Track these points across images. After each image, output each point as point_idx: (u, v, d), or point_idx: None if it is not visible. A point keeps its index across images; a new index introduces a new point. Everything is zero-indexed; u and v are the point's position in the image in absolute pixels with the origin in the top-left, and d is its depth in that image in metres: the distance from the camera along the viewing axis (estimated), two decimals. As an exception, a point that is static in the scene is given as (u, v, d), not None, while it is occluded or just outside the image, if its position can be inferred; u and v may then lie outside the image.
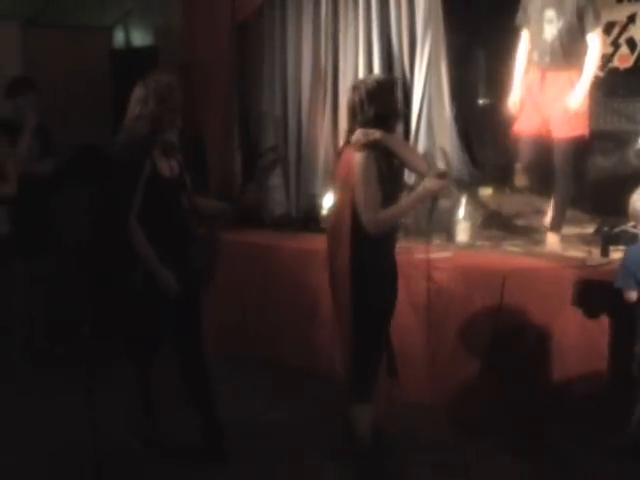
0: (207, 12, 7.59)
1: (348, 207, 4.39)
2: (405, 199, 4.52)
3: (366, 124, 4.42)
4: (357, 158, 4.36)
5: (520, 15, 6.07)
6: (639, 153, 6.79)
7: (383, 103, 4.47)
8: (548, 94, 5.93)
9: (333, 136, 7.00)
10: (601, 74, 8.23)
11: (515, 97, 6.06)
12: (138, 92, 4.71)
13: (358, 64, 6.90)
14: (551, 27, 5.83)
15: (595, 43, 5.86)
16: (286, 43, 7.38)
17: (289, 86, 7.37)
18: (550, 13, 5.81)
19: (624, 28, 8.28)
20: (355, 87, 4.58)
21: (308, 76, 7.22)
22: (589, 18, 5.82)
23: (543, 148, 6.07)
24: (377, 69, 6.77)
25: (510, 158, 6.77)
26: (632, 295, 4.63)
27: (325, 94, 7.11)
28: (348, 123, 4.60)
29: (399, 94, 6.68)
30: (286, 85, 7.39)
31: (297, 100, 7.31)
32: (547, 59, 5.90)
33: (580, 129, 5.94)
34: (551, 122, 5.93)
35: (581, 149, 6.16)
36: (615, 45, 8.29)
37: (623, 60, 8.27)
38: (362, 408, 4.59)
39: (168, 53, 8.19)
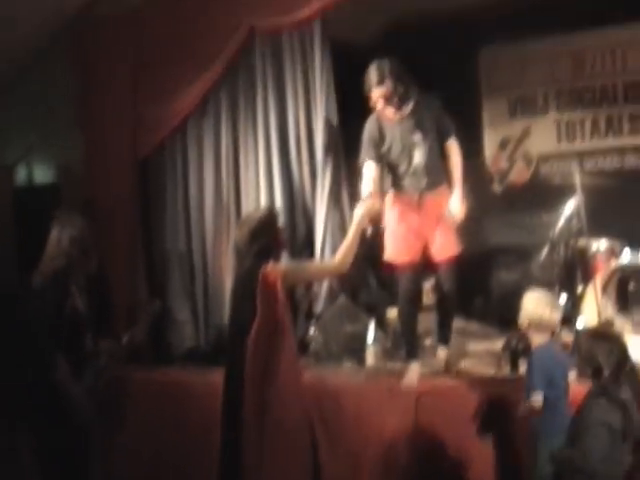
0: (109, 148, 7.65)
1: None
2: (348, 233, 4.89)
3: (253, 259, 4.62)
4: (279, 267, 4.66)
5: (367, 150, 5.86)
6: (542, 265, 6.89)
7: (266, 238, 4.69)
8: (426, 217, 5.83)
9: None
10: (499, 189, 8.48)
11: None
12: (54, 233, 4.94)
13: (260, 194, 6.99)
14: (420, 150, 5.77)
15: (455, 148, 5.86)
16: (188, 176, 7.44)
17: (192, 218, 7.39)
18: (416, 137, 5.76)
19: (519, 143, 8.54)
20: (239, 226, 4.87)
21: (211, 208, 7.27)
22: (446, 126, 5.85)
23: (422, 274, 6.16)
24: (279, 198, 6.87)
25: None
26: (538, 399, 4.59)
27: (228, 225, 7.13)
28: (237, 259, 4.87)
29: (302, 222, 6.84)
30: (189, 217, 7.42)
31: (201, 232, 7.33)
32: (422, 183, 5.80)
33: (458, 246, 5.88)
34: (432, 245, 5.85)
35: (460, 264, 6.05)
36: (511, 160, 8.54)
37: (520, 174, 8.51)
38: None
39: (71, 190, 8.14)
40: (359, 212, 4.91)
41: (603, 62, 8.44)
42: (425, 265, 6.01)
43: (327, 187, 6.69)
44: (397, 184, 5.89)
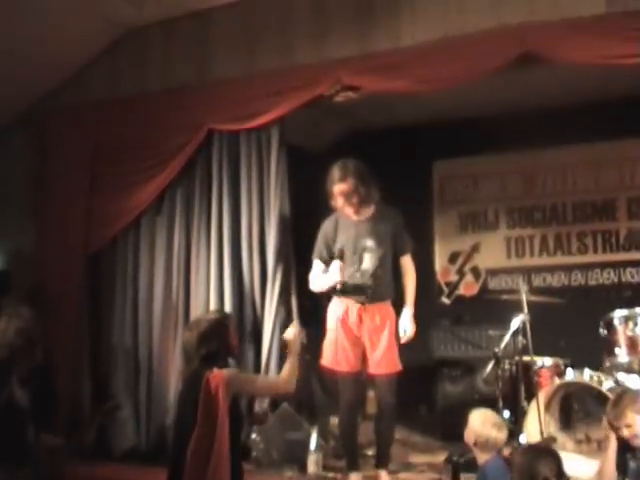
0: (60, 240, 7.61)
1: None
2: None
3: (199, 362, 4.60)
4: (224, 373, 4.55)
5: (319, 249, 5.94)
6: (486, 379, 6.90)
7: (216, 342, 4.67)
8: (367, 328, 5.80)
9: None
10: (448, 302, 8.55)
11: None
12: (1, 324, 4.91)
13: (209, 295, 6.95)
14: (371, 256, 5.78)
15: (410, 265, 5.94)
16: (139, 272, 7.40)
17: (140, 315, 7.33)
18: (370, 243, 5.78)
19: (468, 257, 8.65)
20: (189, 327, 4.84)
21: (160, 306, 7.21)
22: (403, 241, 5.92)
23: (363, 385, 6.15)
24: (228, 300, 6.84)
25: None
26: None
27: (176, 324, 7.08)
28: (184, 360, 4.85)
29: (249, 323, 6.80)
30: (137, 314, 7.35)
31: (148, 329, 7.25)
32: (367, 293, 5.75)
33: (398, 363, 5.83)
34: (371, 357, 5.80)
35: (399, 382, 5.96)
36: (460, 273, 8.63)
37: (468, 288, 8.60)
38: None
39: (21, 276, 8.06)
40: (289, 337, 4.95)
41: (554, 181, 8.63)
42: (367, 374, 6.00)
43: (277, 290, 6.67)
44: (343, 287, 5.86)
